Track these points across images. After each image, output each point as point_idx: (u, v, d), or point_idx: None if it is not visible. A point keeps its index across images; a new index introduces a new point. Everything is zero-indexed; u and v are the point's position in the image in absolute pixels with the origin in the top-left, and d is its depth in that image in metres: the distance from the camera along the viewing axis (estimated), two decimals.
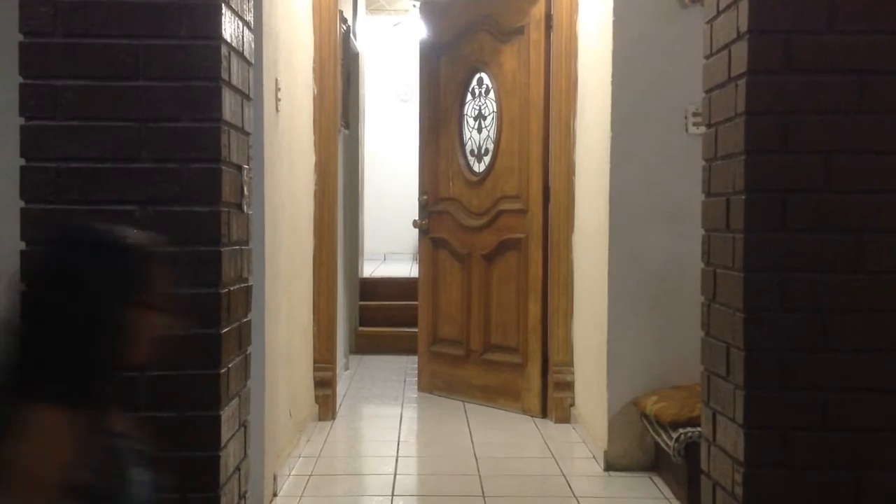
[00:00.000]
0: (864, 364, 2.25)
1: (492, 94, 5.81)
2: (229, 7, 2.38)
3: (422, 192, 6.20)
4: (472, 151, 5.97)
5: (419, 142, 6.28)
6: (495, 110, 5.78)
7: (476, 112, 5.94)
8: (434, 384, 6.06)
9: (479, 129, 5.91)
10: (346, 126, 6.75)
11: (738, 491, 2.30)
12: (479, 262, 5.85)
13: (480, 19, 5.81)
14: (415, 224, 6.25)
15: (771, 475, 2.27)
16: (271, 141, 3.71)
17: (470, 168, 5.96)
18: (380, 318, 7.78)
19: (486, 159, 5.84)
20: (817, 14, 2.23)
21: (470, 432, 5.07)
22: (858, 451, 2.26)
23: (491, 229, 5.76)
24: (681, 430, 3.68)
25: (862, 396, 2.26)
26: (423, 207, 6.15)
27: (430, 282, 6.18)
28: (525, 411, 5.49)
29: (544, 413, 5.41)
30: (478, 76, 5.92)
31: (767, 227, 2.26)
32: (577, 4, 5.15)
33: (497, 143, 5.75)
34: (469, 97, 5.98)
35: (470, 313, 5.88)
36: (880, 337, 2.25)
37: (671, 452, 3.72)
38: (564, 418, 5.26)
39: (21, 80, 2.29)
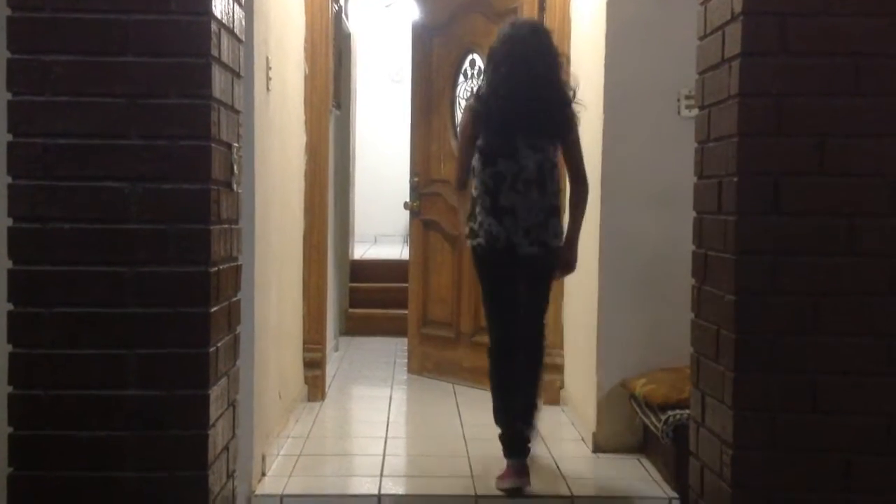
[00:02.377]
0: (855, 347, 2.25)
1: None
2: None
3: (413, 173, 6.18)
4: None
5: (411, 123, 6.25)
6: None
7: (468, 94, 5.91)
8: (424, 366, 6.06)
9: None
10: (338, 107, 6.72)
11: (727, 472, 2.31)
12: None
13: (473, 0, 5.78)
14: (406, 206, 6.23)
15: (759, 457, 2.28)
16: (262, 120, 3.69)
17: None
18: (370, 300, 7.77)
19: None
20: None
21: (459, 414, 5.08)
22: (847, 434, 2.27)
23: None
24: (670, 413, 3.69)
25: (852, 380, 2.26)
26: (415, 189, 6.13)
27: (420, 264, 6.17)
28: None
29: None
30: (470, 57, 5.89)
31: (759, 210, 2.26)
32: None
33: None
34: (461, 79, 5.95)
35: (460, 295, 5.87)
36: (871, 320, 2.25)
37: (660, 434, 3.73)
38: (554, 400, 5.26)
39: (9, 55, 2.26)
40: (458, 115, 5.94)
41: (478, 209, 3.79)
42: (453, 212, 5.87)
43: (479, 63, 5.80)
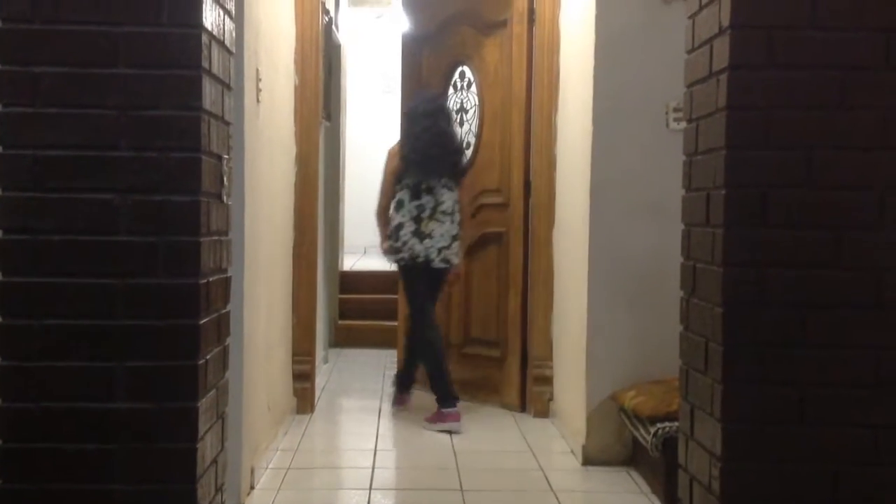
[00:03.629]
0: (842, 359, 2.26)
1: (474, 88, 5.81)
2: None
3: None
4: None
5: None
6: (477, 104, 5.77)
7: (458, 105, 5.93)
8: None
9: (461, 123, 5.90)
10: (328, 118, 6.73)
11: (716, 485, 2.31)
12: None
13: (463, 12, 5.80)
14: None
15: (748, 470, 2.28)
16: (252, 131, 3.69)
17: None
18: (360, 312, 7.77)
19: (468, 153, 5.83)
20: (800, 9, 2.24)
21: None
22: (836, 446, 2.27)
23: (471, 223, 5.75)
24: (659, 425, 3.69)
25: (840, 392, 2.27)
26: None
27: None
28: (504, 405, 5.50)
29: (523, 407, 5.42)
30: (460, 69, 5.91)
31: (747, 222, 2.26)
32: None
33: (479, 136, 5.75)
34: (451, 90, 5.97)
35: (450, 307, 5.88)
36: (858, 332, 2.26)
37: (649, 447, 3.73)
38: (543, 412, 5.27)
39: None
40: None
41: (402, 232, 5.10)
42: None
43: (469, 75, 5.82)
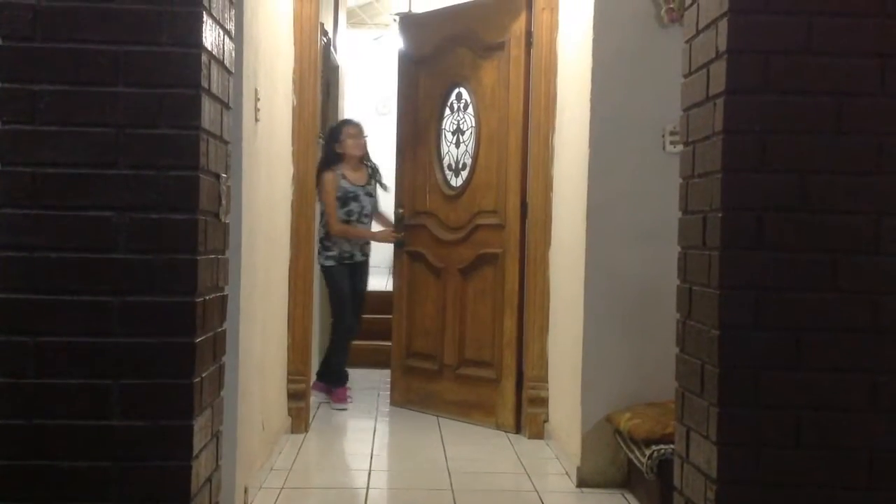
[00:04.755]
0: (838, 382, 2.27)
1: (470, 109, 5.83)
2: (210, 15, 2.37)
3: (398, 205, 6.20)
4: (449, 166, 5.98)
5: (396, 155, 6.28)
6: (474, 125, 5.79)
7: (454, 126, 5.95)
8: (408, 398, 6.05)
9: (458, 144, 5.92)
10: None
11: None
12: (455, 276, 5.85)
13: (460, 34, 5.82)
14: None
15: (744, 492, 2.28)
16: (250, 150, 3.70)
17: (447, 182, 5.97)
18: None
19: (464, 174, 5.85)
20: (795, 35, 2.26)
21: (443, 447, 5.06)
22: (831, 469, 2.27)
23: (468, 244, 5.76)
24: (654, 447, 3.69)
25: (835, 415, 2.27)
26: (400, 221, 6.15)
27: (405, 295, 6.17)
28: (499, 426, 5.49)
29: (518, 428, 5.41)
30: (457, 91, 5.93)
31: (743, 245, 2.27)
32: (557, 22, 5.18)
33: (475, 157, 5.76)
34: (447, 111, 5.99)
35: (445, 327, 5.87)
36: (853, 356, 2.27)
37: (644, 469, 3.72)
38: (538, 434, 5.26)
39: None
40: (445, 148, 5.99)
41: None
42: (439, 244, 5.90)
43: (466, 96, 5.84)
